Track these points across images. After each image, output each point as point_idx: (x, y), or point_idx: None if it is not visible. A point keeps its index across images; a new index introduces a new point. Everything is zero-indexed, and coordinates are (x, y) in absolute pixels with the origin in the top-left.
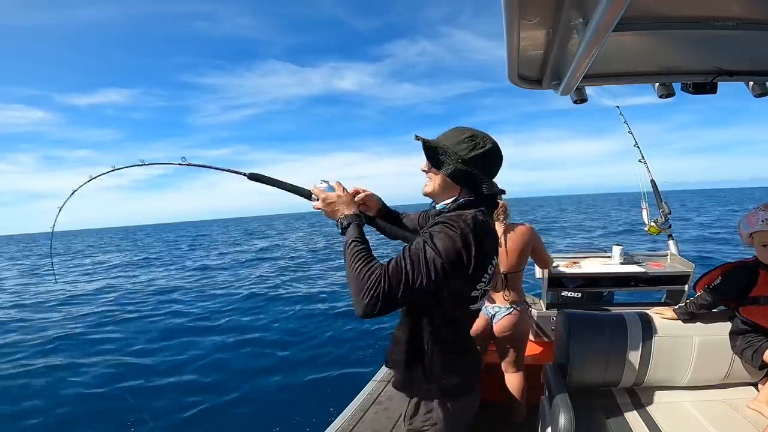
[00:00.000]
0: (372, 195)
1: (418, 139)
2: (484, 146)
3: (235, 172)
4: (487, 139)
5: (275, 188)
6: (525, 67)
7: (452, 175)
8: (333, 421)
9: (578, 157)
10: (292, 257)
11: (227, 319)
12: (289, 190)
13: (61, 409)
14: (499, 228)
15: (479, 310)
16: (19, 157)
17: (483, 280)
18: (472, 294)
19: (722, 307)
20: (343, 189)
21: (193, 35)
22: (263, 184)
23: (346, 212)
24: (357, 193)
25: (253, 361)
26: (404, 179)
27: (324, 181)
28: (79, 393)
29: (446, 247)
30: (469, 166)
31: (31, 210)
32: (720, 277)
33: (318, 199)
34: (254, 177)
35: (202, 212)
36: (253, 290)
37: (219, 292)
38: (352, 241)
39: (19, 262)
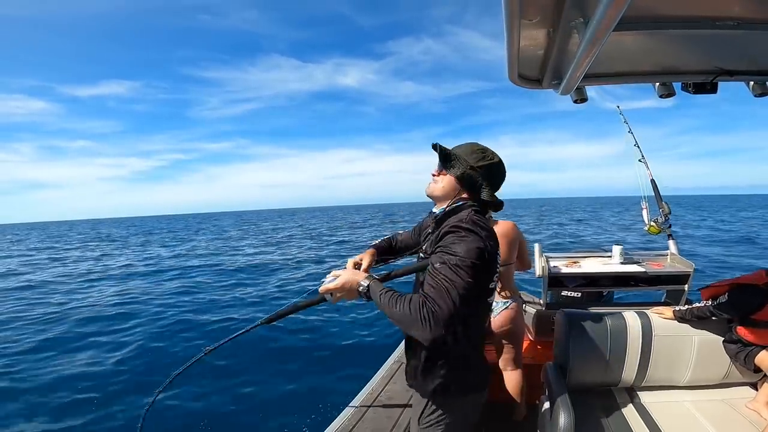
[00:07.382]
0: (367, 255)
1: (436, 148)
2: (492, 159)
3: (252, 328)
4: (495, 155)
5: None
6: (525, 66)
7: (460, 177)
8: (333, 420)
9: (579, 159)
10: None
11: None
12: (306, 307)
13: None
14: None
15: (492, 302)
16: (19, 147)
17: (497, 270)
18: (491, 286)
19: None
20: (345, 269)
21: (197, 28)
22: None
23: (360, 281)
24: (357, 264)
25: (250, 357)
26: (405, 177)
27: (324, 279)
28: None
29: (466, 248)
30: (476, 172)
31: (32, 199)
32: (727, 296)
33: (332, 295)
34: (270, 320)
35: (204, 204)
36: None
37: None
38: (380, 294)
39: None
